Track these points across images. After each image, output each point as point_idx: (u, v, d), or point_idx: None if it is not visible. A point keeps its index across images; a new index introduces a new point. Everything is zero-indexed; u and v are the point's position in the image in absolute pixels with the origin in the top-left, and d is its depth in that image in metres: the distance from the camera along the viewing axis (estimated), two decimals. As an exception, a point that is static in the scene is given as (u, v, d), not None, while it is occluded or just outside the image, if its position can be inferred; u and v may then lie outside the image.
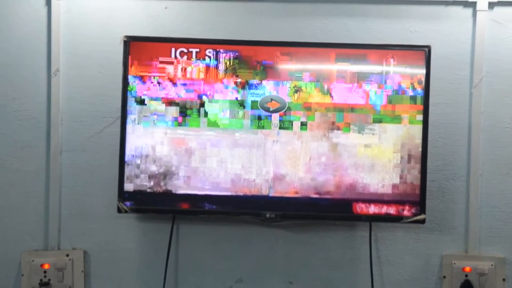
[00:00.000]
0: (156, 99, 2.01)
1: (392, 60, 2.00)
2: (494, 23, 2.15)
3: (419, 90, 1.99)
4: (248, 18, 2.13)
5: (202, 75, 2.01)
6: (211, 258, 2.20)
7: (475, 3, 2.13)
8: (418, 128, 1.99)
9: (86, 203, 2.17)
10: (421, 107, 1.99)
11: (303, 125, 2.00)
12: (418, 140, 1.99)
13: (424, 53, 2.00)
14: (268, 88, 2.00)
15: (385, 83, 1.99)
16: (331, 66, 2.00)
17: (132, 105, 2.01)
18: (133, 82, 2.01)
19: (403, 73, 2.00)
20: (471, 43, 2.12)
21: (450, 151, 2.14)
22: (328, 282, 2.18)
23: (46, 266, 2.13)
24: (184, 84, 2.01)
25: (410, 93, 2.00)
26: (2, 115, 2.16)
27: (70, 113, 2.15)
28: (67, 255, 2.15)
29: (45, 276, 2.13)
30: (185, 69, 2.01)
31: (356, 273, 2.18)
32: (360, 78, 2.00)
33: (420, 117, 1.99)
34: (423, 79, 1.99)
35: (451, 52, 2.13)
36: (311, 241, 2.17)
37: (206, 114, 2.00)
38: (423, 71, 1.99)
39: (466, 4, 2.14)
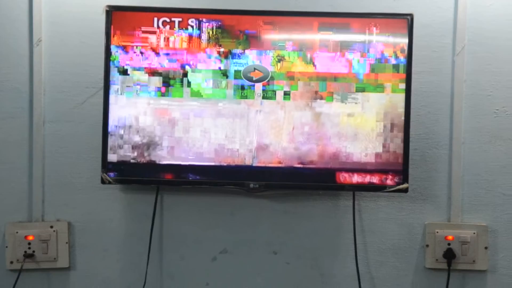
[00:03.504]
0: (139, 69, 2.11)
1: (375, 28, 2.10)
2: (476, -10, 2.16)
3: (402, 58, 2.10)
4: (231, -13, 2.16)
5: (185, 45, 2.11)
6: (196, 228, 2.31)
7: (457, -31, 2.14)
8: (401, 96, 2.10)
9: (70, 174, 2.27)
10: (403, 76, 2.10)
11: (286, 94, 2.10)
12: (401, 109, 2.10)
13: (406, 21, 2.10)
14: (251, 57, 2.10)
15: (368, 51, 2.10)
16: (314, 35, 2.11)
17: (115, 75, 2.11)
18: (115, 52, 2.11)
19: (386, 42, 2.10)
20: (454, 10, 2.22)
21: (433, 119, 2.24)
22: (312, 251, 2.30)
23: (30, 238, 2.23)
24: (167, 54, 2.11)
25: (393, 61, 2.11)
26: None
27: (53, 84, 2.25)
28: (51, 227, 2.25)
29: (29, 248, 2.23)
30: (168, 38, 2.11)
31: (339, 242, 2.29)
32: (343, 47, 2.10)
33: (403, 85, 2.10)
34: (405, 48, 2.10)
35: (434, 20, 2.22)
36: (295, 211, 2.28)
37: (189, 84, 2.10)
38: (406, 39, 2.10)
39: (449, -29, 2.16)
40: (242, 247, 2.31)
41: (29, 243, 2.24)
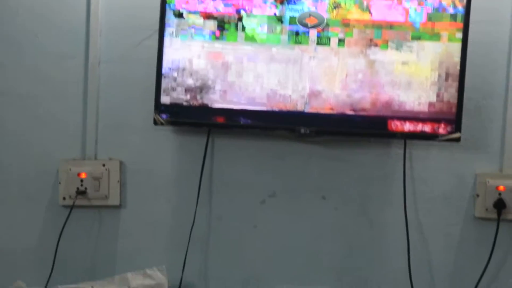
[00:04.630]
0: (194, 12, 2.16)
1: None
2: None
3: (460, 7, 2.12)
4: None
5: None
6: (245, 172, 2.38)
7: None
8: (457, 46, 2.12)
9: (123, 115, 2.35)
10: (461, 25, 2.12)
11: (341, 41, 2.14)
12: (457, 58, 2.12)
13: None
14: (306, 3, 2.14)
15: (426, 0, 2.12)
16: (372, -18, 2.08)
17: (170, 18, 2.17)
18: None
19: None
20: (515, -40, 2.15)
21: (489, 69, 2.26)
22: (361, 198, 2.36)
23: (83, 175, 2.33)
24: None
25: (451, 10, 2.12)
26: (42, 26, 2.33)
27: (109, 25, 2.31)
28: (104, 165, 2.34)
29: (81, 185, 2.33)
30: None
31: (389, 189, 2.34)
32: None
33: (459, 35, 2.12)
34: None
35: (494, -30, 2.17)
36: (345, 158, 2.34)
37: (243, 28, 2.15)
38: None
39: None
40: (291, 191, 2.37)
41: (82, 180, 2.34)
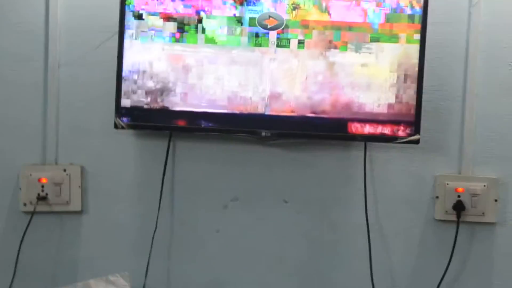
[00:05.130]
0: (154, 14, 2.16)
1: None
2: None
3: (418, 8, 2.13)
4: None
5: None
6: (207, 176, 2.37)
7: None
8: (416, 47, 2.14)
9: (84, 119, 2.33)
10: (419, 26, 2.13)
11: (301, 43, 2.14)
12: (415, 60, 2.14)
13: None
14: (266, 5, 2.14)
15: (384, 1, 2.14)
16: (330, -17, 2.09)
17: (130, 20, 2.16)
18: None
19: None
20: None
21: (447, 71, 2.28)
22: (322, 201, 2.37)
23: (44, 180, 2.31)
24: None
25: (409, 11, 2.14)
26: (0, 28, 2.30)
27: (68, 27, 2.30)
28: (65, 170, 2.32)
29: (42, 191, 2.31)
30: None
31: (350, 192, 2.36)
32: None
33: (417, 36, 2.13)
34: None
35: (450, -30, 2.19)
36: (306, 160, 2.34)
37: (203, 30, 2.15)
38: None
39: None
40: (253, 195, 2.37)
41: (42, 186, 2.31)
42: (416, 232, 2.38)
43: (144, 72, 2.18)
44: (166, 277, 2.41)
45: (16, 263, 2.33)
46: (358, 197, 2.34)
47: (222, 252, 2.42)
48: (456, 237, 2.28)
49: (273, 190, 2.38)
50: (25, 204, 2.33)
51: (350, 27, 2.14)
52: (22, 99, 2.34)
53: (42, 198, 2.32)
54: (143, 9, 2.17)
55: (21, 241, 2.32)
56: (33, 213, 2.32)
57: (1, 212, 2.38)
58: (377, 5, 2.14)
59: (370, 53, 2.16)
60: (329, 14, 2.14)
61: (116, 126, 2.20)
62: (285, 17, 2.15)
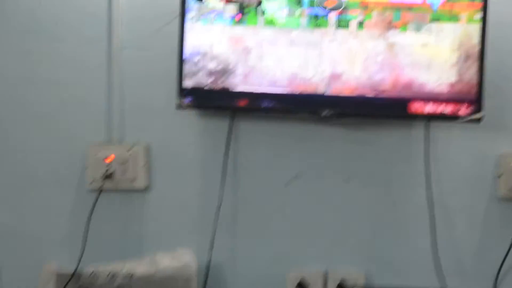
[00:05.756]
0: None
1: None
2: None
3: None
4: None
5: None
6: (268, 155, 2.40)
7: None
8: (476, 27, 2.11)
9: (147, 99, 2.38)
10: (479, 5, 2.11)
11: (360, 24, 2.13)
12: (476, 40, 2.11)
13: None
14: None
15: None
16: (391, -37, 2.06)
17: (191, 2, 2.18)
18: None
19: None
20: None
21: (509, 50, 2.27)
22: (383, 179, 2.37)
23: (110, 159, 2.35)
24: None
25: None
26: (65, 12, 2.38)
27: (131, 10, 2.35)
28: (129, 149, 2.36)
29: (108, 169, 2.36)
30: None
31: (411, 171, 2.35)
32: None
33: (478, 15, 2.11)
34: None
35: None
36: (366, 140, 2.35)
37: (263, 12, 2.16)
38: None
39: None
40: (314, 173, 2.39)
41: (108, 164, 2.36)
42: (480, 210, 2.38)
43: (205, 53, 2.19)
44: (231, 253, 2.44)
45: (85, 238, 2.39)
46: (420, 175, 2.33)
47: (285, 229, 2.45)
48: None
49: (333, 169, 2.40)
50: (91, 182, 2.37)
51: (409, 7, 2.12)
52: (87, 79, 2.40)
53: (108, 176, 2.36)
54: None
55: (89, 218, 2.38)
56: (100, 191, 2.36)
57: (69, 190, 2.45)
58: (438, -15, 2.06)
59: (430, 33, 2.13)
60: None
61: (178, 107, 2.22)
62: (345, -3, 2.08)
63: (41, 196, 2.46)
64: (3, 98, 2.45)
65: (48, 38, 2.41)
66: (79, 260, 2.36)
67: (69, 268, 2.35)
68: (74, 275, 2.33)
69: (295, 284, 2.38)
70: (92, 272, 2.26)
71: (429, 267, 2.36)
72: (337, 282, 2.37)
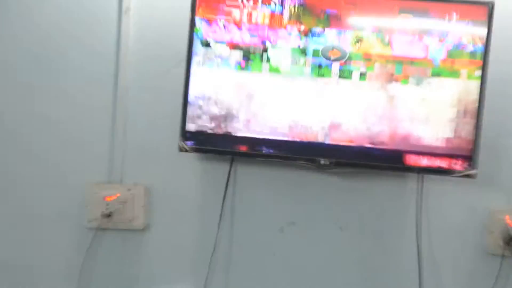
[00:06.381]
0: (221, 42, 2.15)
1: (454, 14, 2.10)
2: None
3: (480, 46, 2.09)
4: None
5: (266, 21, 2.14)
6: (266, 200, 2.36)
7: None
8: (476, 83, 2.09)
9: (150, 141, 2.34)
10: (480, 63, 2.08)
11: (362, 75, 2.11)
12: (475, 96, 2.09)
13: (487, 9, 2.09)
14: (330, 37, 2.12)
15: (446, 37, 2.09)
16: (394, 18, 2.11)
17: (198, 47, 2.15)
18: (199, 24, 2.15)
19: (465, 28, 2.09)
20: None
21: (507, 109, 2.25)
22: (376, 228, 2.33)
23: (109, 199, 2.31)
24: (249, 29, 2.14)
25: (471, 48, 2.09)
26: (73, 51, 2.33)
27: (138, 52, 2.31)
28: (129, 189, 2.32)
29: (107, 208, 2.31)
30: (251, 14, 2.14)
31: (403, 221, 2.32)
32: (422, 31, 2.11)
33: (478, 73, 2.09)
34: (484, 35, 2.09)
35: (514, 11, 2.18)
36: (362, 189, 2.31)
37: (268, 59, 2.13)
38: (485, 27, 2.09)
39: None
40: (309, 220, 2.35)
41: (107, 204, 2.32)
42: (469, 265, 2.34)
43: (209, 98, 2.17)
44: (224, 296, 2.38)
45: (83, 276, 2.35)
46: (411, 226, 2.31)
47: (279, 273, 2.40)
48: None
49: (329, 217, 2.36)
50: (90, 221, 2.33)
51: (411, 61, 2.11)
52: (91, 118, 2.36)
53: (106, 216, 2.32)
54: (211, 38, 2.16)
55: (87, 256, 2.34)
56: (97, 230, 2.33)
57: (67, 228, 2.39)
58: (440, 41, 2.10)
59: (430, 87, 2.12)
60: (392, 48, 2.12)
61: (180, 149, 2.19)
62: (349, 49, 2.12)
63: (40, 232, 2.41)
64: (6, 133, 2.41)
65: (53, 75, 2.37)
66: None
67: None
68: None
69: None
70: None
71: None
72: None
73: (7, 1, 2.36)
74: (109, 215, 2.32)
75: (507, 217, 2.25)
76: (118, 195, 2.32)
